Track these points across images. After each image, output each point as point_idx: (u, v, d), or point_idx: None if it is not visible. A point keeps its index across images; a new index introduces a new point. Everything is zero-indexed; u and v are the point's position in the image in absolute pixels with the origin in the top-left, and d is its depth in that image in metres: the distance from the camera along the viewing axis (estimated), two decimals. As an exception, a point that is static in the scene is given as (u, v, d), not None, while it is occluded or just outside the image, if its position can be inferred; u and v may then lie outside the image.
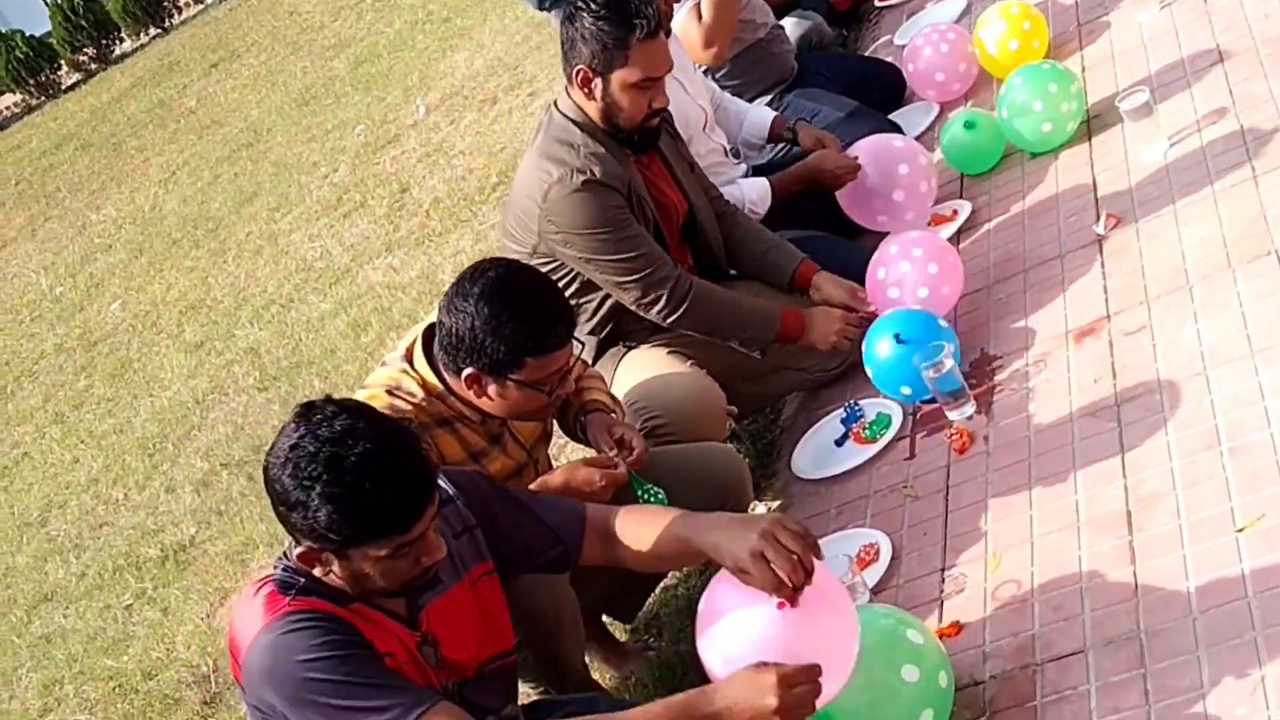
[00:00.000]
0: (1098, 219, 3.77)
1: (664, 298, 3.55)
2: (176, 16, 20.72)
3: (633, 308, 3.60)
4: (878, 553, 3.18)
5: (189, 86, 14.79)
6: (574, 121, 3.55)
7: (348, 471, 2.24)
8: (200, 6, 20.83)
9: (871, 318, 3.63)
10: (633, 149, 3.61)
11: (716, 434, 3.48)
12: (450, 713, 2.31)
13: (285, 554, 2.42)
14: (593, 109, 3.54)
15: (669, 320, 3.58)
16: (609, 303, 3.65)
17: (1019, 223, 4.04)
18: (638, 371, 3.55)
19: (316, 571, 2.36)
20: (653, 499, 3.09)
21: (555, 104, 3.62)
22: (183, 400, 6.76)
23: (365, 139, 9.23)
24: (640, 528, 2.62)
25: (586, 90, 3.51)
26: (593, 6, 3.45)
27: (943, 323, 3.53)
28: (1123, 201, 3.81)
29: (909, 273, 3.68)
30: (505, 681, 2.70)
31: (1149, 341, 3.29)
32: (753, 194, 4.20)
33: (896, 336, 3.45)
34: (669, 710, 2.30)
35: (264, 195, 9.34)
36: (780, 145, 4.58)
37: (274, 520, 5.05)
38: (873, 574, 3.11)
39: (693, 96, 4.22)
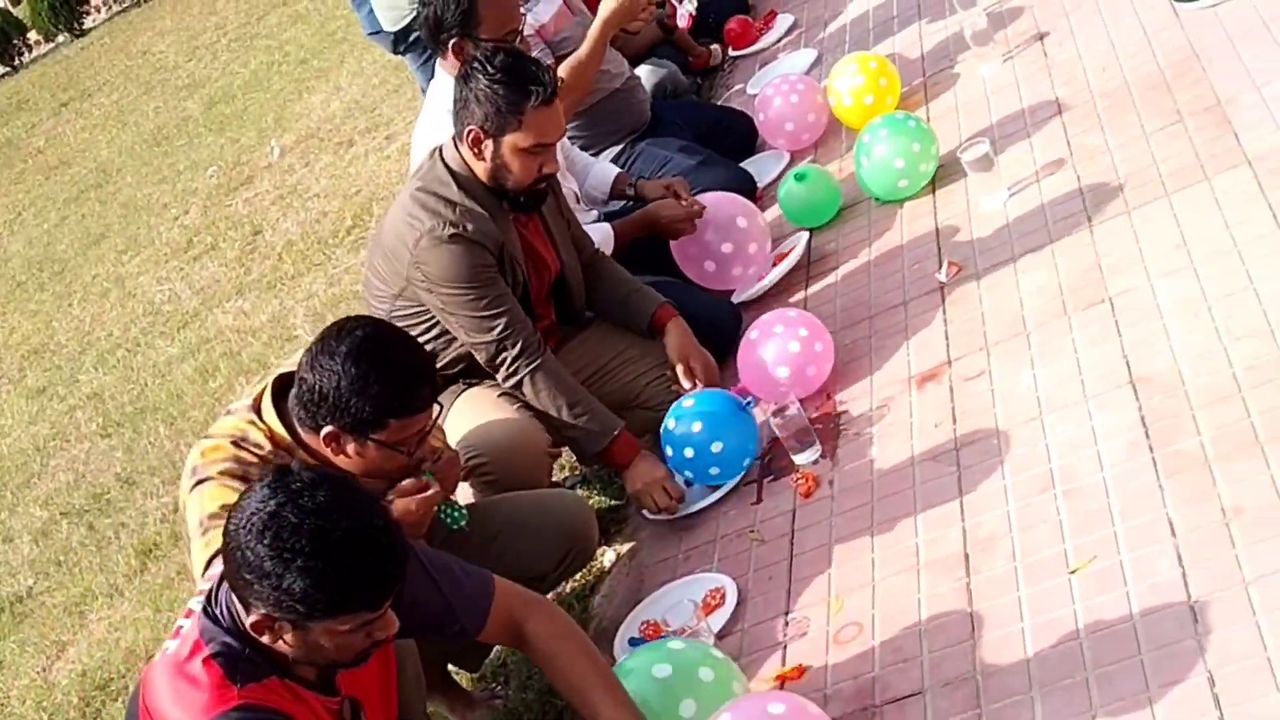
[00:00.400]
0: (940, 267, 3.84)
1: (511, 362, 3.53)
2: (27, 55, 20.29)
3: (483, 364, 3.58)
4: (724, 597, 3.19)
5: (37, 126, 14.48)
6: (455, 175, 3.53)
7: (333, 547, 2.19)
8: (51, 45, 20.43)
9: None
10: (516, 209, 3.60)
11: (537, 476, 3.49)
12: None
13: (209, 610, 2.33)
14: (480, 168, 3.52)
15: (510, 385, 3.56)
16: (467, 354, 3.63)
17: (865, 271, 4.10)
18: (468, 411, 3.53)
19: (265, 639, 2.28)
20: (453, 517, 3.08)
21: (440, 151, 3.59)
22: (22, 447, 6.57)
23: (218, 180, 9.10)
24: (558, 658, 2.65)
25: (476, 150, 3.49)
26: (489, 69, 3.43)
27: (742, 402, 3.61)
28: (964, 250, 3.89)
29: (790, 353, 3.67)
30: None
31: (988, 387, 3.35)
32: (596, 238, 4.22)
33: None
34: None
35: (112, 237, 9.15)
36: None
37: (113, 571, 4.96)
38: (718, 618, 3.12)
39: None
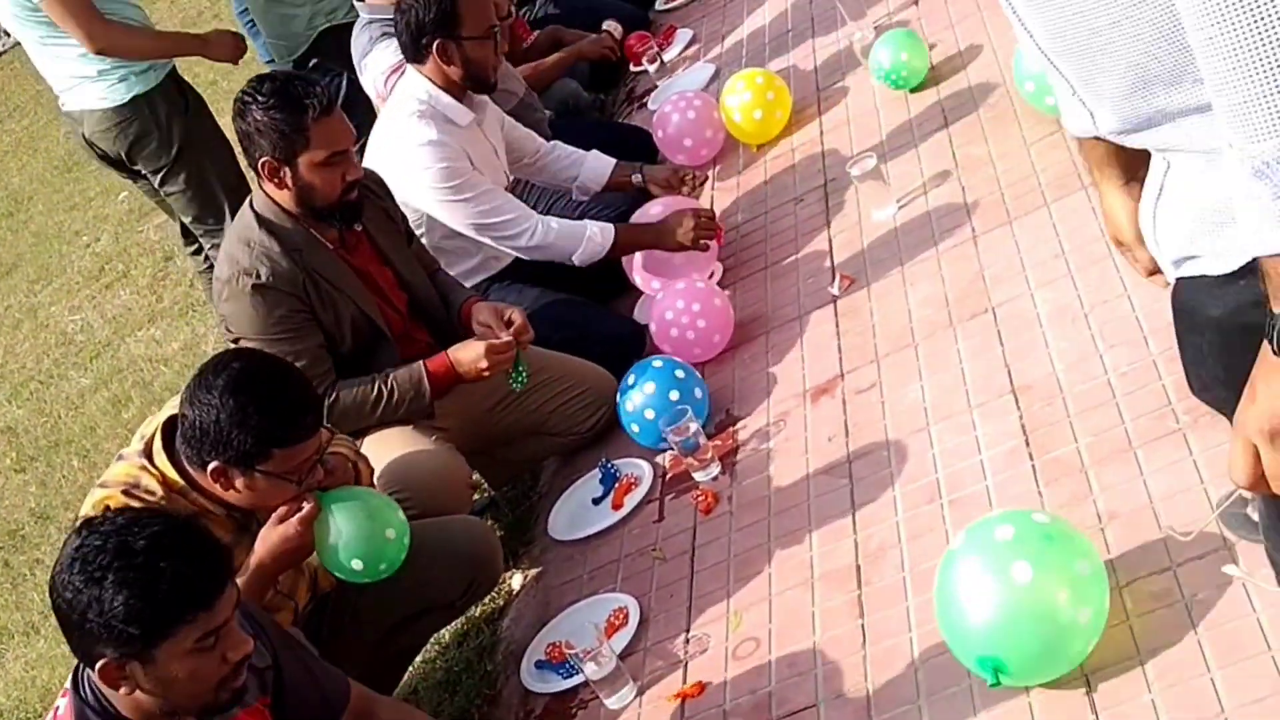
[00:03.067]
0: (833, 280, 3.93)
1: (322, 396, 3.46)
2: (-66, 79, 19.99)
3: None
4: (626, 617, 3.25)
5: (-54, 153, 14.27)
6: (259, 216, 3.52)
7: (139, 554, 2.20)
8: (-41, 69, 20.14)
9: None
10: (339, 225, 3.59)
11: (461, 506, 3.52)
12: None
13: (79, 691, 2.34)
14: (285, 197, 3.51)
15: (332, 419, 3.48)
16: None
17: (761, 285, 4.17)
18: (383, 446, 3.55)
19: (121, 691, 2.27)
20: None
21: (251, 201, 3.60)
22: (-64, 484, 6.51)
23: (129, 206, 9.03)
24: None
25: (276, 180, 3.49)
26: (259, 99, 3.42)
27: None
28: (856, 263, 3.97)
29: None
30: None
31: (879, 399, 3.43)
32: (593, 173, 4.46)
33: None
34: None
35: (24, 266, 9.06)
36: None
37: (29, 608, 4.95)
38: (621, 639, 3.17)
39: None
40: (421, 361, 3.60)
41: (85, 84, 4.91)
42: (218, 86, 9.62)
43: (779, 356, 3.82)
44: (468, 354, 3.60)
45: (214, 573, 2.29)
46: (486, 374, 3.61)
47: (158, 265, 7.68)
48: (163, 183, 5.08)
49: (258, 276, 3.43)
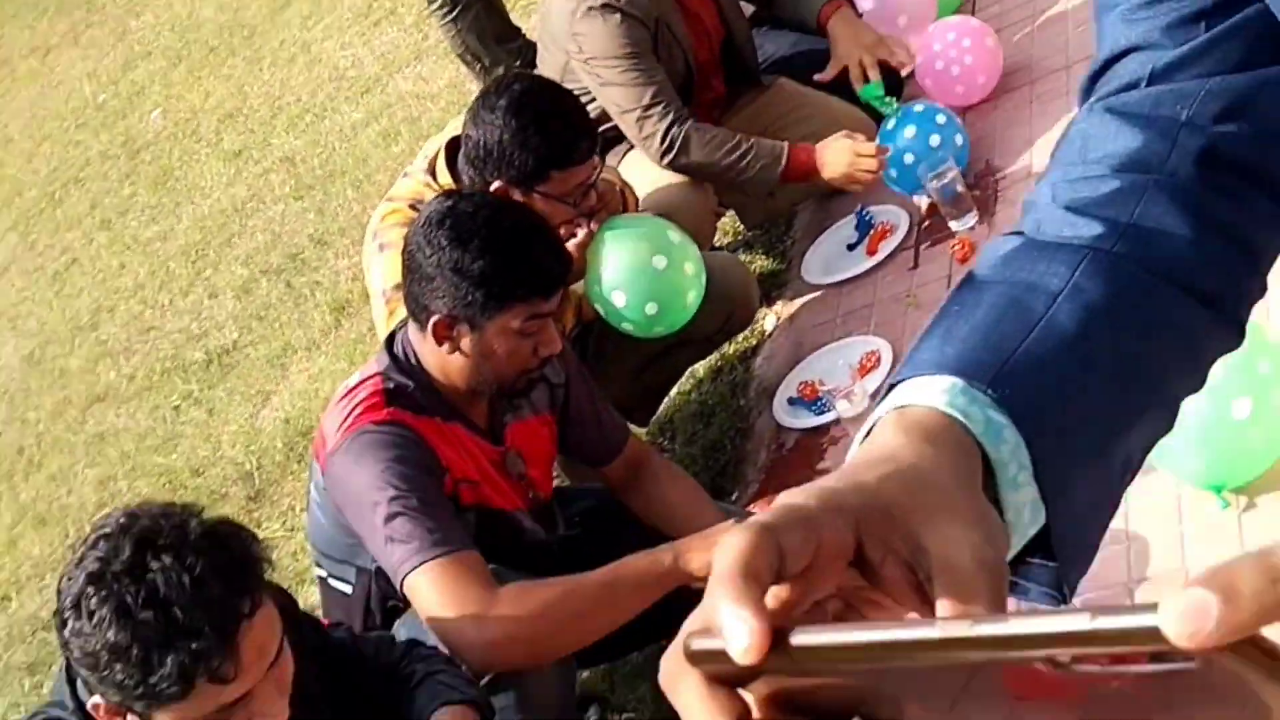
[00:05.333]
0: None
1: (665, 133, 3.53)
2: None
3: (636, 142, 3.64)
4: (879, 360, 3.33)
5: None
6: None
7: (506, 230, 2.43)
8: None
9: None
10: None
11: (704, 234, 3.61)
12: (468, 564, 2.34)
13: (391, 349, 2.55)
14: None
15: (664, 161, 3.56)
16: None
17: (1029, 33, 4.08)
18: (634, 173, 3.61)
19: (443, 349, 2.48)
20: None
21: None
22: (222, 208, 6.92)
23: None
24: (678, 479, 2.86)
25: None
26: None
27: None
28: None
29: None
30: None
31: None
32: None
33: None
34: (634, 569, 2.37)
35: (297, 3, 9.35)
36: None
37: (310, 325, 5.29)
38: (872, 380, 3.26)
39: None
40: (788, 144, 3.57)
41: None
42: None
43: (1043, 108, 3.76)
44: (834, 157, 3.52)
45: (559, 271, 2.50)
46: (840, 182, 3.58)
47: (422, 4, 7.84)
48: None
49: (616, 3, 3.49)
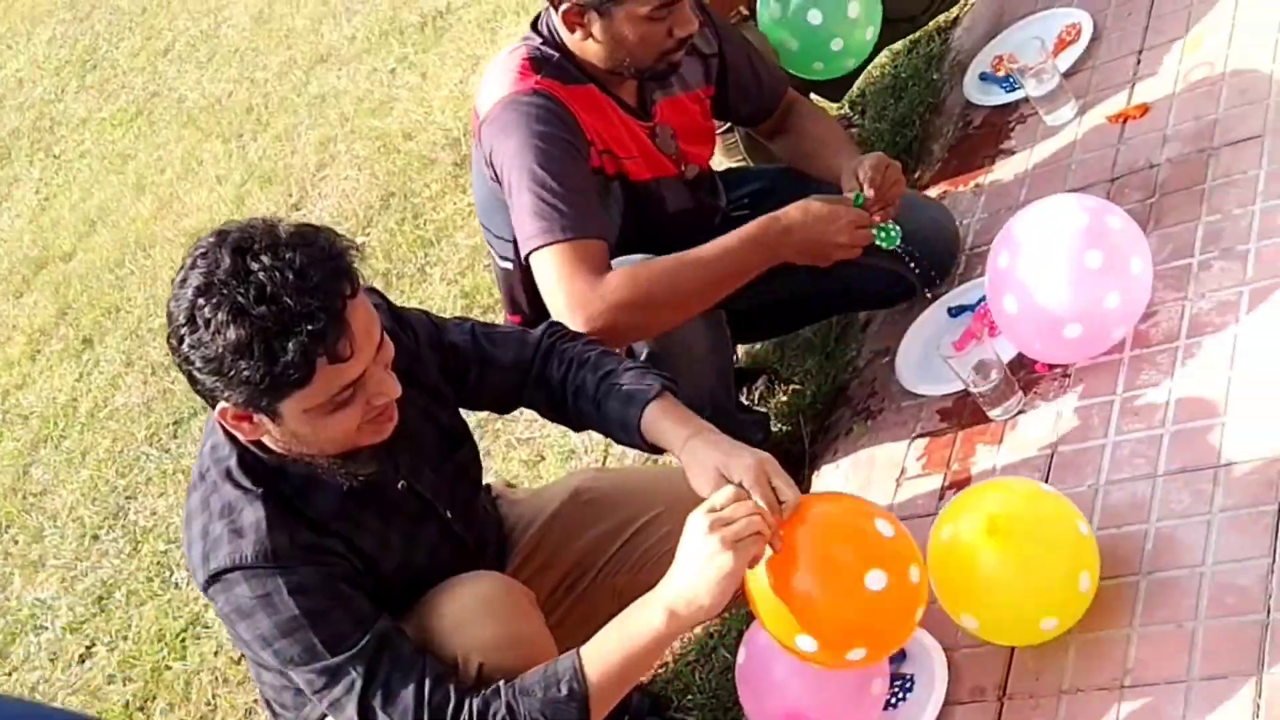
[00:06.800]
0: None
1: None
2: None
3: None
4: (1078, 33, 3.16)
5: None
6: None
7: None
8: None
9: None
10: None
11: None
12: (589, 250, 2.36)
13: (536, 27, 2.55)
14: None
15: None
16: None
17: None
18: None
19: (576, 36, 2.47)
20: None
21: None
22: None
23: None
24: (819, 119, 2.81)
25: None
26: None
27: None
28: None
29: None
30: None
31: None
32: None
33: None
34: (741, 239, 2.41)
35: None
36: None
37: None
38: (1069, 56, 3.11)
39: None
40: None
41: None
42: None
43: None
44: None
45: None
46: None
47: None
48: None
49: None
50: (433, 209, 4.46)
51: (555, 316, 2.34)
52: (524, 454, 3.28)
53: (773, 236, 2.41)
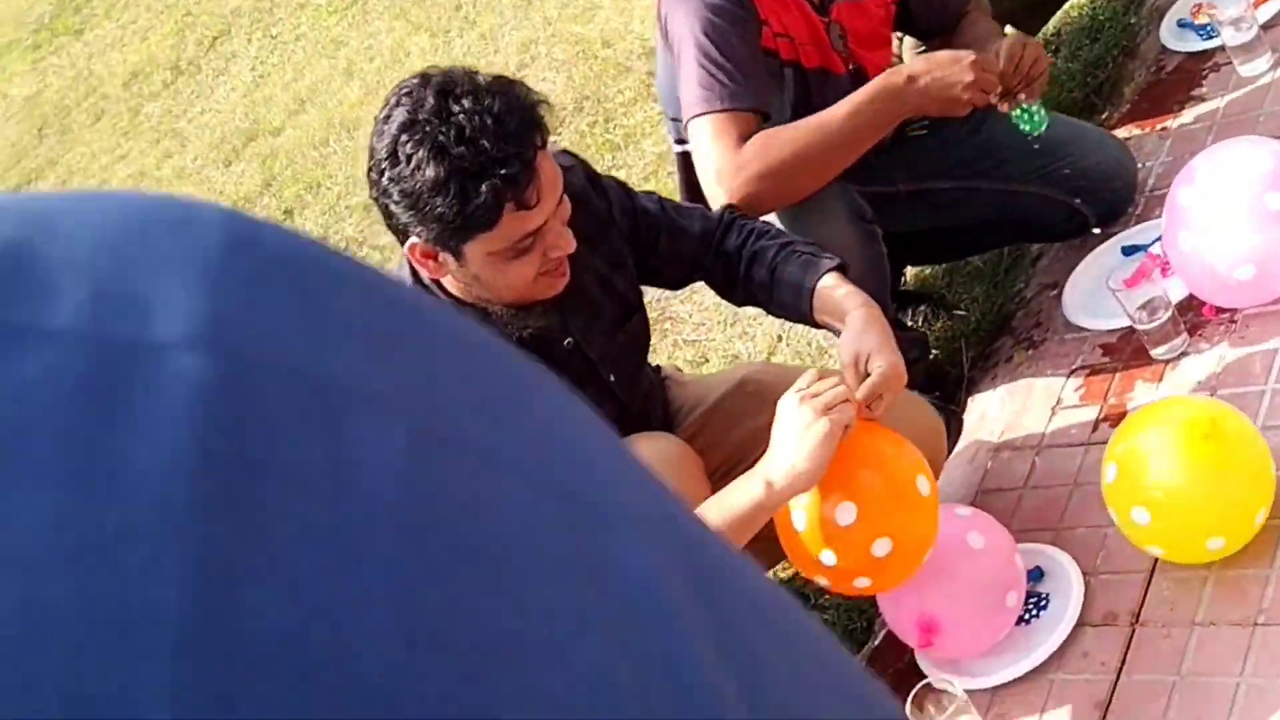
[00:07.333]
0: None
1: None
2: None
3: None
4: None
5: None
6: None
7: None
8: None
9: None
10: None
11: None
12: (740, 121, 2.40)
13: None
14: None
15: None
16: None
17: None
18: None
19: None
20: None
21: None
22: None
23: None
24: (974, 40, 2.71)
25: None
26: None
27: None
28: None
29: None
30: None
31: None
32: None
33: None
34: (869, 94, 2.43)
35: None
36: None
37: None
38: (1269, 8, 3.07)
39: None
40: None
41: None
42: None
43: None
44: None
45: None
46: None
47: None
48: None
49: None
50: (623, 115, 4.59)
51: (704, 189, 2.42)
52: (689, 354, 3.40)
53: (898, 84, 2.43)
